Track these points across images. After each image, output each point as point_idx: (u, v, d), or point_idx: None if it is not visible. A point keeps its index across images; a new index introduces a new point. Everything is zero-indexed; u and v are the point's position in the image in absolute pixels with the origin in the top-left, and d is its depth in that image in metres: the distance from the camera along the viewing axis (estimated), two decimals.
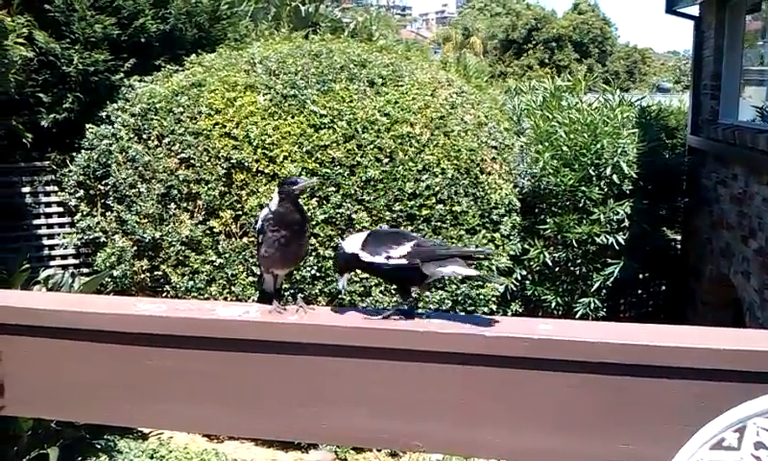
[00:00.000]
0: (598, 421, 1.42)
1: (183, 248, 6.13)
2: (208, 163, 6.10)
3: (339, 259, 1.67)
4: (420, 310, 1.61)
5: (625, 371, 1.39)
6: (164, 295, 6.22)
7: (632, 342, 1.41)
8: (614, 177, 6.76)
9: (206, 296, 6.05)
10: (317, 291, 5.94)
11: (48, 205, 7.43)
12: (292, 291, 5.55)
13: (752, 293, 6.10)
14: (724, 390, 1.32)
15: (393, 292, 5.86)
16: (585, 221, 6.71)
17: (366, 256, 1.59)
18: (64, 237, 7.36)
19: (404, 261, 1.56)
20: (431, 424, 1.52)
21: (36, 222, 7.38)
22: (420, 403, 1.52)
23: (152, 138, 6.38)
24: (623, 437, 1.40)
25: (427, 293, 5.95)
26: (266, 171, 6.03)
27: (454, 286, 6.12)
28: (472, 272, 1.74)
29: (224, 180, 6.08)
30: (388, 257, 1.57)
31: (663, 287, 8.52)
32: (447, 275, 1.66)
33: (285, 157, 6.03)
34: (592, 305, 6.78)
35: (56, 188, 7.35)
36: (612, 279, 6.89)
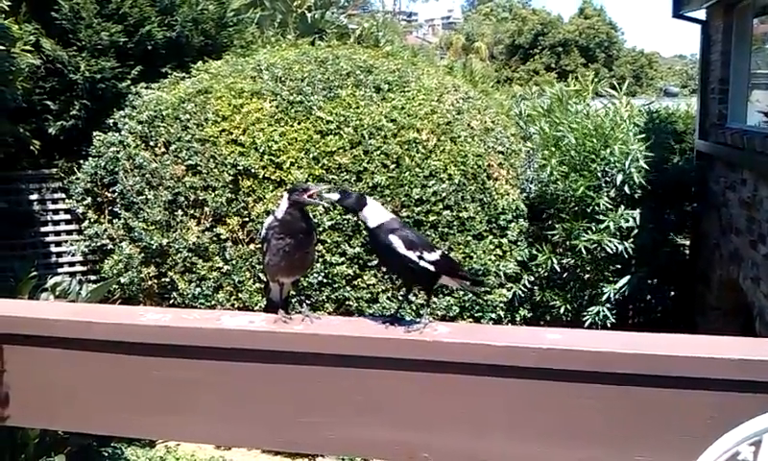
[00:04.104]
0: (610, 432, 1.39)
1: (190, 255, 6.13)
2: (215, 170, 6.10)
3: (350, 210, 1.68)
4: (409, 318, 1.62)
5: (636, 381, 1.37)
6: (171, 302, 6.22)
7: (643, 351, 1.38)
8: (624, 184, 6.70)
9: (213, 303, 6.05)
10: (324, 298, 5.93)
11: (55, 212, 7.44)
12: (298, 298, 5.53)
13: (761, 298, 6.04)
14: (739, 401, 1.29)
15: (399, 299, 5.84)
16: (594, 228, 6.65)
17: (400, 247, 1.59)
18: (72, 244, 7.37)
19: (432, 268, 1.60)
20: (439, 435, 1.49)
21: (43, 229, 7.40)
22: (427, 414, 1.50)
23: (159, 145, 6.39)
24: (636, 449, 1.37)
25: (434, 299, 5.94)
26: (273, 177, 6.03)
27: (461, 292, 6.09)
28: (477, 288, 1.95)
29: (230, 186, 6.08)
30: (420, 257, 1.59)
31: (672, 293, 8.45)
32: (453, 287, 1.74)
33: (292, 164, 6.02)
34: (601, 314, 6.72)
35: (63, 195, 7.37)
36: (622, 291, 6.82)
